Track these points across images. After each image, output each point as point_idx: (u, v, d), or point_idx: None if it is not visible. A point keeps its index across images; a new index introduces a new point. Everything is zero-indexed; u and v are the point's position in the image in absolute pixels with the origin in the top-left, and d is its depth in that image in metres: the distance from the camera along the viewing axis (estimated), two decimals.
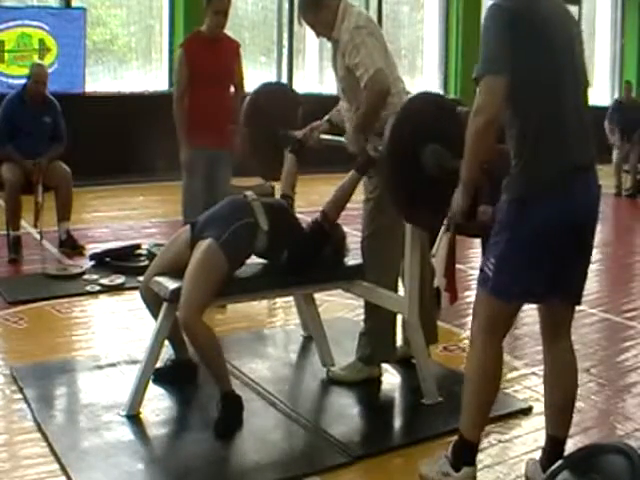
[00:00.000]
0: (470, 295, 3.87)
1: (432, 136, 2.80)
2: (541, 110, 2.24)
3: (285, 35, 10.95)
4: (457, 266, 2.82)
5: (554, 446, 2.49)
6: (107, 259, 5.18)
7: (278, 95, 3.81)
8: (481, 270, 2.39)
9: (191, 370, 3.29)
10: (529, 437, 2.89)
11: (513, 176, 2.29)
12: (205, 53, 4.33)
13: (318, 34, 3.31)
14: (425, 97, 3.03)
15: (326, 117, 3.50)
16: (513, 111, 2.27)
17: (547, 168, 2.24)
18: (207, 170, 4.36)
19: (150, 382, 3.03)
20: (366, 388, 3.31)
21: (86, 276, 4.90)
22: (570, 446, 2.81)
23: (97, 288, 4.68)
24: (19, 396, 3.12)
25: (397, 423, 3.00)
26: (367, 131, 3.09)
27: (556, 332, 2.48)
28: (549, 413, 2.53)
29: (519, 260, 2.29)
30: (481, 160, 2.38)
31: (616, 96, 14.23)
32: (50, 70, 6.80)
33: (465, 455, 2.45)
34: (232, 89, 4.54)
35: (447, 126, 2.79)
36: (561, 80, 2.27)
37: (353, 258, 3.32)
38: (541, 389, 2.65)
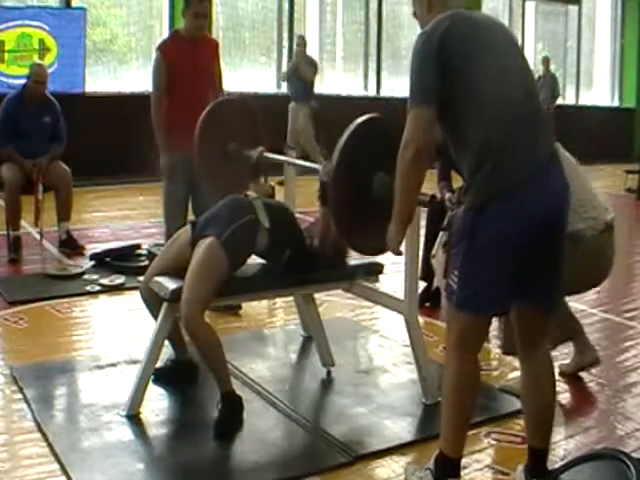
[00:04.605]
0: None
1: (381, 162, 2.66)
2: (498, 119, 2.19)
3: (285, 35, 10.96)
4: None
5: (534, 457, 2.43)
6: (107, 259, 5.18)
7: (235, 109, 3.69)
8: (447, 284, 2.32)
9: (191, 370, 3.29)
10: None
11: (471, 186, 2.23)
12: (183, 54, 4.20)
13: None
14: (375, 121, 2.84)
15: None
16: (467, 129, 2.22)
17: (508, 173, 2.18)
18: (188, 175, 4.15)
19: (150, 382, 3.03)
20: (366, 388, 3.31)
21: (86, 276, 4.90)
22: (571, 446, 2.83)
23: (97, 288, 4.68)
24: (19, 396, 3.12)
25: (397, 423, 3.00)
26: None
27: (531, 341, 2.40)
28: (527, 424, 2.47)
29: (481, 270, 2.22)
30: (413, 193, 2.34)
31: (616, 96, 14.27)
32: (50, 70, 6.80)
33: (448, 470, 2.38)
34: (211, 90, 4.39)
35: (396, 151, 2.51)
36: (508, 85, 2.23)
37: (353, 258, 3.31)
38: None
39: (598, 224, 3.16)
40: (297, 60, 8.92)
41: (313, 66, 9.21)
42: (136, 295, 3.34)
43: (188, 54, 4.20)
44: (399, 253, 2.53)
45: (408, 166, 2.25)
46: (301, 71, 8.91)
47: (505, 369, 3.55)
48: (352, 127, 2.72)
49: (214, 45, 4.45)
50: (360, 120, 2.77)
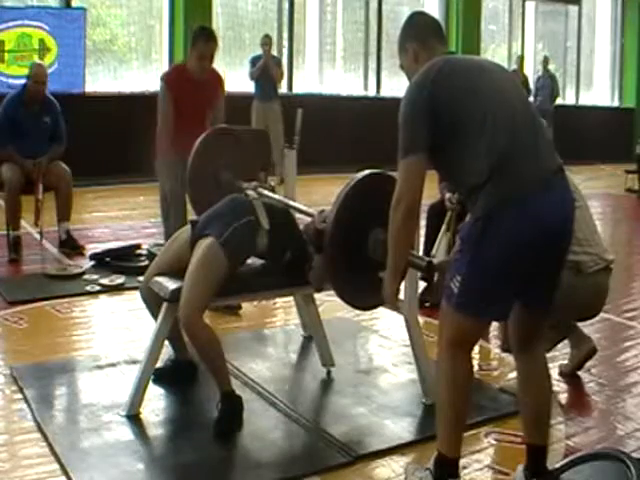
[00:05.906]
0: None
1: (380, 219, 2.59)
2: (502, 135, 2.20)
3: (285, 35, 10.96)
4: None
5: (533, 455, 2.44)
6: (107, 259, 5.18)
7: (229, 141, 3.68)
8: (447, 285, 2.31)
9: (191, 370, 3.29)
10: None
11: (478, 199, 2.22)
12: (185, 89, 4.26)
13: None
14: (377, 177, 2.81)
15: None
16: (468, 152, 2.22)
17: (515, 185, 2.19)
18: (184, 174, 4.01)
19: (150, 382, 3.03)
20: (366, 388, 3.31)
21: (86, 276, 4.90)
22: (571, 445, 2.82)
23: (97, 288, 4.68)
24: (19, 396, 3.12)
25: (397, 423, 3.00)
26: None
27: (527, 340, 2.42)
28: (525, 421, 2.48)
29: (485, 279, 2.23)
30: (405, 249, 2.37)
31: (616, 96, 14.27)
32: (50, 70, 6.82)
33: (447, 470, 2.37)
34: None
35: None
36: (508, 103, 2.26)
37: None
38: None
39: (600, 260, 3.28)
40: (266, 59, 8.94)
41: (279, 66, 9.28)
42: (136, 295, 3.34)
43: (190, 89, 4.26)
44: (396, 307, 2.52)
45: (399, 227, 2.28)
46: (271, 70, 8.95)
47: (505, 369, 3.55)
48: (355, 181, 2.71)
49: (218, 81, 4.49)
50: (361, 175, 2.75)
